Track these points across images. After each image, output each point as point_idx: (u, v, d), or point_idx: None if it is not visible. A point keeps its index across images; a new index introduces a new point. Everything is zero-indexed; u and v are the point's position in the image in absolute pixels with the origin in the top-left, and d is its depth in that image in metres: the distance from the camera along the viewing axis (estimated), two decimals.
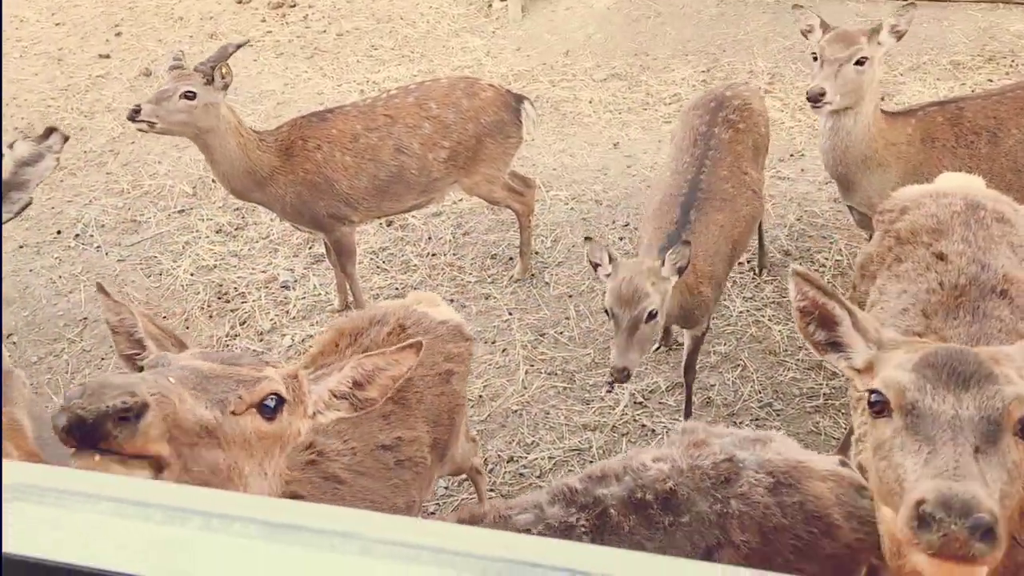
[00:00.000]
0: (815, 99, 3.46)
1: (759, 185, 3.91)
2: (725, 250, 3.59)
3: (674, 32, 6.97)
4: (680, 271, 3.17)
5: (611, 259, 3.19)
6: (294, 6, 8.05)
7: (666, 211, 3.54)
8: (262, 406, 1.59)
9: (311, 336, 4.54)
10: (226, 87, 3.85)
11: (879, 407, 1.48)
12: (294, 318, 4.69)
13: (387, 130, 4.18)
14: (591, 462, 3.68)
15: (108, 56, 7.41)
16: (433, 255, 5.03)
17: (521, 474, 3.78)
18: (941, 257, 2.43)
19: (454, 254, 5.03)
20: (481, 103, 4.32)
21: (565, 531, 1.92)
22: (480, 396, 4.13)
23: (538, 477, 3.75)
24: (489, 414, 4.05)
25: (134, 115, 3.70)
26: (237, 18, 7.93)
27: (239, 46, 4.00)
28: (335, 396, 1.81)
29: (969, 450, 1.32)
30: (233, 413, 1.53)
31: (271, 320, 4.68)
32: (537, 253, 4.93)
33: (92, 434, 1.28)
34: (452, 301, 4.68)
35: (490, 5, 7.67)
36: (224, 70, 3.80)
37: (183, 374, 1.51)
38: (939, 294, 2.34)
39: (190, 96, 3.74)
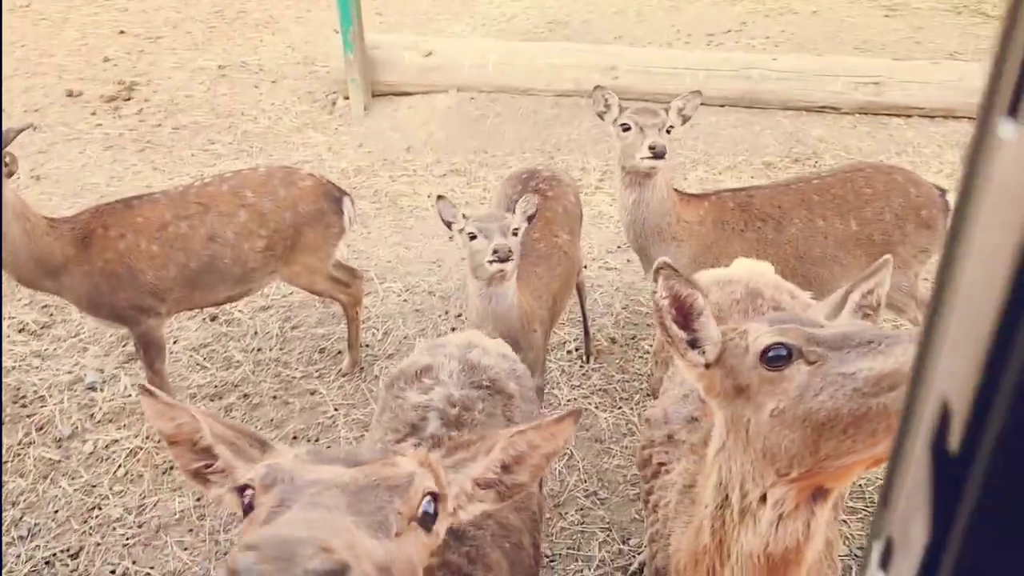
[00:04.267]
0: (662, 153, 3.67)
1: (572, 247, 4.10)
2: (547, 300, 3.77)
3: (512, 131, 7.21)
4: (530, 219, 3.43)
5: (465, 216, 3.39)
6: (129, 99, 7.82)
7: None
8: (423, 515, 1.30)
9: (117, 441, 4.19)
10: (10, 175, 3.61)
11: (781, 359, 1.55)
12: (99, 422, 4.33)
13: (199, 219, 4.03)
14: None
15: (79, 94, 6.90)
16: (258, 350, 4.81)
17: None
18: None
19: (280, 348, 4.83)
20: (300, 192, 4.23)
21: None
22: None
23: None
24: None
25: None
26: (65, 111, 7.61)
27: (20, 130, 3.76)
28: (479, 486, 1.50)
29: None
30: (397, 535, 1.22)
31: (72, 424, 4.29)
32: (367, 346, 4.81)
33: None
34: (275, 398, 4.47)
35: (334, 103, 7.72)
36: (7, 159, 3.58)
37: (331, 499, 1.19)
38: None
39: None
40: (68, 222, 3.88)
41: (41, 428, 4.28)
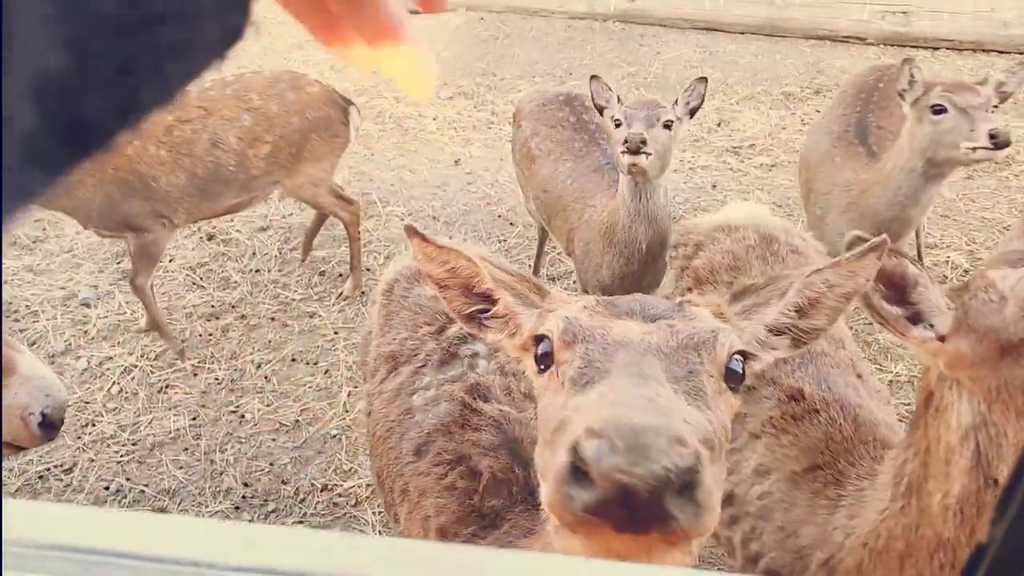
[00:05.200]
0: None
1: None
2: None
3: (522, 54, 6.95)
4: (692, 112, 3.11)
5: (620, 100, 3.09)
6: None
7: None
8: (730, 373, 1.15)
9: (111, 358, 4.10)
10: None
11: None
12: (93, 339, 4.23)
13: (201, 123, 3.82)
14: None
15: None
16: (256, 271, 4.68)
17: (335, 503, 3.49)
18: None
19: (279, 270, 4.70)
20: (307, 97, 4.05)
21: None
22: (296, 421, 3.81)
23: (354, 506, 3.47)
24: (305, 439, 3.74)
25: None
26: None
27: None
28: (772, 332, 1.33)
29: None
30: (711, 402, 1.09)
31: (66, 341, 4.19)
32: (368, 270, 4.67)
33: (645, 513, 0.86)
34: (273, 320, 4.36)
35: None
36: None
37: (651, 367, 1.05)
38: None
39: None
40: None
41: (34, 343, 4.18)
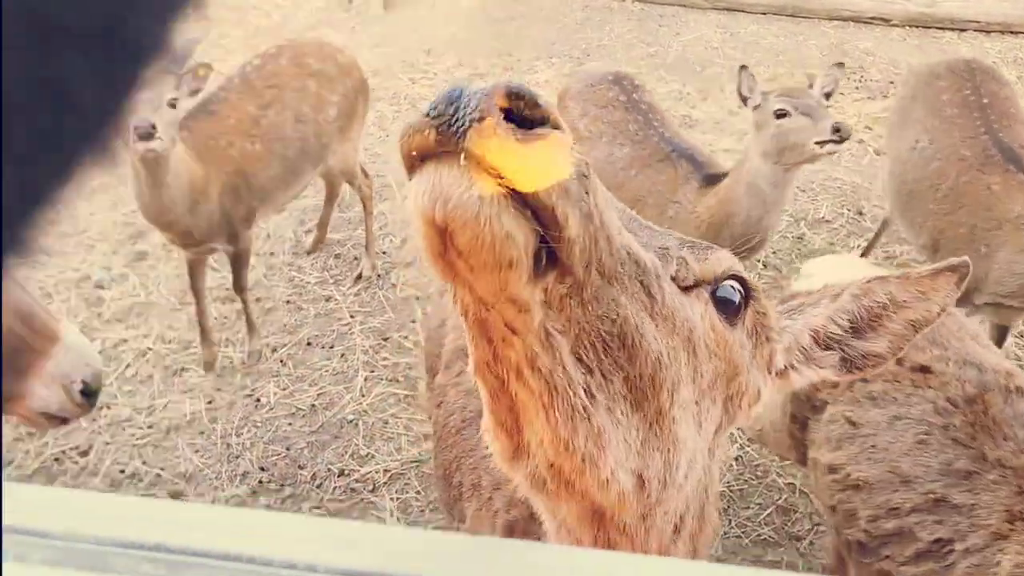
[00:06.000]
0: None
1: None
2: None
3: (539, 34, 6.84)
4: (827, 96, 3.13)
5: (764, 93, 3.12)
6: None
7: None
8: (718, 296, 0.96)
9: (125, 340, 4.06)
10: (196, 92, 3.14)
11: None
12: (107, 321, 4.19)
13: (280, 102, 3.70)
14: (431, 474, 3.39)
15: None
16: (271, 254, 4.63)
17: (353, 489, 3.44)
18: None
19: (294, 253, 4.64)
20: (349, 60, 4.08)
21: None
22: (313, 405, 3.77)
23: (371, 491, 3.43)
24: (322, 424, 3.69)
25: (149, 134, 2.88)
26: None
27: (198, 40, 3.25)
28: (817, 343, 1.13)
29: None
30: (674, 280, 0.90)
31: (80, 323, 4.14)
32: (384, 252, 4.61)
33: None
34: (288, 303, 4.31)
35: (351, 0, 7.33)
36: (201, 71, 3.09)
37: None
38: None
39: (173, 105, 3.02)
40: (180, 143, 3.36)
41: None
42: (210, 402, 3.77)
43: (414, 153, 0.74)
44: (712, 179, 3.34)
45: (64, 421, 2.06)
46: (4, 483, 0.55)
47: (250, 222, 3.69)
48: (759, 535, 3.31)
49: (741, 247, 2.91)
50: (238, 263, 3.76)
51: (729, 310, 0.97)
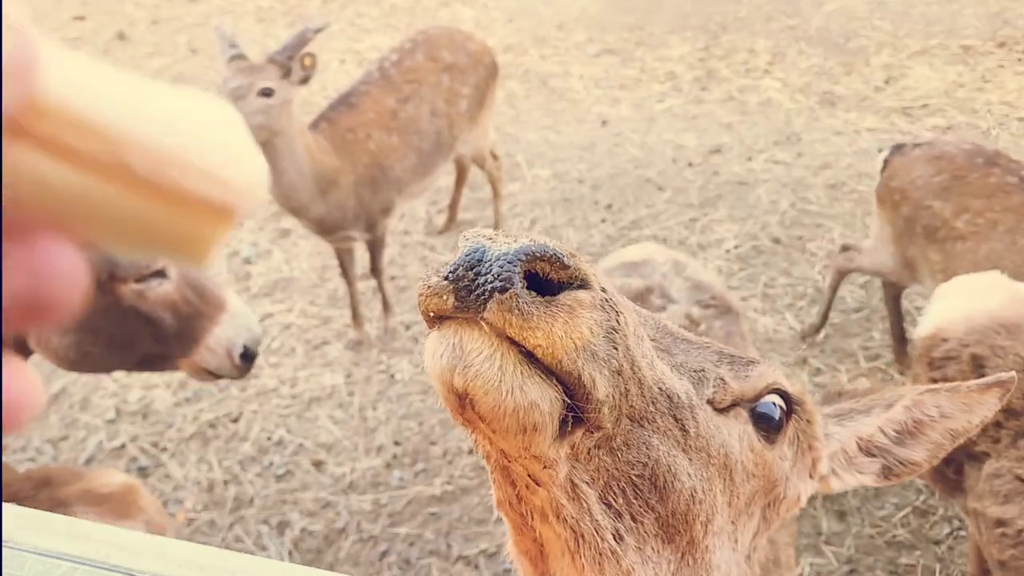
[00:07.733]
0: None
1: None
2: None
3: (672, 7, 6.67)
4: None
5: None
6: None
7: None
8: (757, 412, 0.93)
9: (271, 315, 4.31)
10: (306, 80, 3.32)
11: None
12: (255, 295, 4.45)
13: (418, 97, 3.88)
14: None
15: (83, 18, 7.14)
16: (405, 233, 4.78)
17: (481, 467, 3.55)
18: None
19: (427, 232, 4.77)
20: (479, 46, 4.16)
21: None
22: None
23: None
24: None
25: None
26: None
27: (318, 30, 3.46)
28: (862, 450, 1.14)
29: None
30: (710, 404, 0.88)
31: None
32: None
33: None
34: (422, 282, 4.44)
35: None
36: (307, 60, 3.28)
37: (636, 314, 0.82)
38: None
39: (267, 93, 3.17)
40: (320, 133, 3.63)
41: None
42: (348, 376, 3.96)
43: (431, 314, 0.71)
44: None
45: (217, 378, 2.28)
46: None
47: (388, 212, 3.84)
48: (894, 536, 3.20)
49: None
50: (375, 248, 3.94)
51: (770, 426, 0.94)
